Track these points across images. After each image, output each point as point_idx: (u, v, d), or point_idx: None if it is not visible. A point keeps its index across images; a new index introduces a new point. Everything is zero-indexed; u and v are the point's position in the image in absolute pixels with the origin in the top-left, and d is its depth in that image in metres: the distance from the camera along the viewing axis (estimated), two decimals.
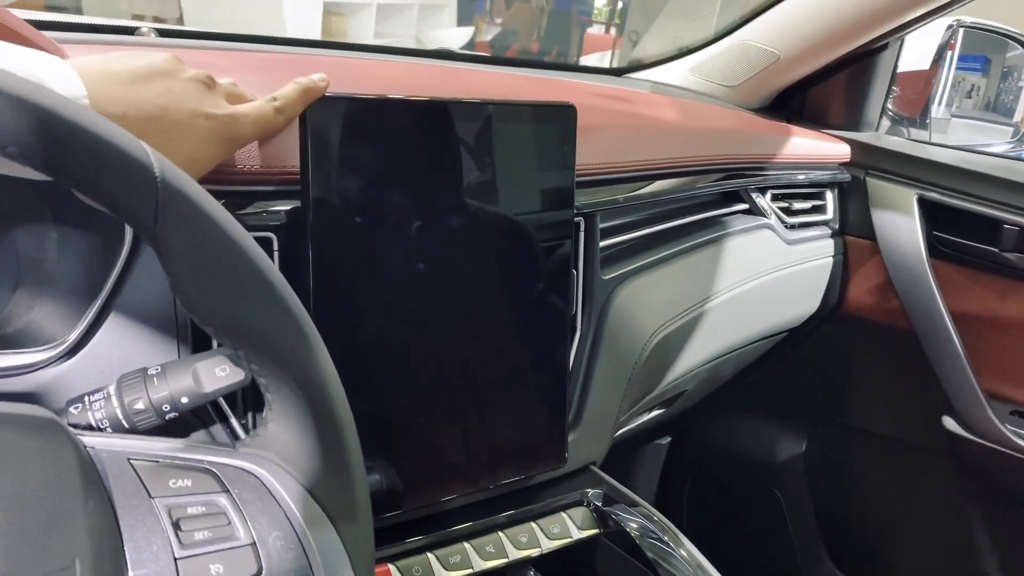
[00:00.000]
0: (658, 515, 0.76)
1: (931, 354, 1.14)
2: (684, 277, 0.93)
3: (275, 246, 0.59)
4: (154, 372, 0.48)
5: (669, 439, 1.45)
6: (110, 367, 0.55)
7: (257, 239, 0.58)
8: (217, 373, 0.48)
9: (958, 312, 1.12)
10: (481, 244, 0.66)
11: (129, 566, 0.35)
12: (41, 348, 0.53)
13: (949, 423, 1.14)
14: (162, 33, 0.86)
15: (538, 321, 0.71)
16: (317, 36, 5.69)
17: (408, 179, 0.62)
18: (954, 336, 1.12)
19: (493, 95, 0.86)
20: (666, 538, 0.74)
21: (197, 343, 0.58)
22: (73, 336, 0.53)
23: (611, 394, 0.81)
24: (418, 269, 0.63)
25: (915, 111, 1.33)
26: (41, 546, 0.32)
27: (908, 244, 1.15)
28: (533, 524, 0.73)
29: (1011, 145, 1.31)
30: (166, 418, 0.48)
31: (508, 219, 0.68)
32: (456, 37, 7.39)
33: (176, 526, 0.37)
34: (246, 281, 0.40)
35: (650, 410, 1.04)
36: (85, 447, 0.37)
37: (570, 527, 0.75)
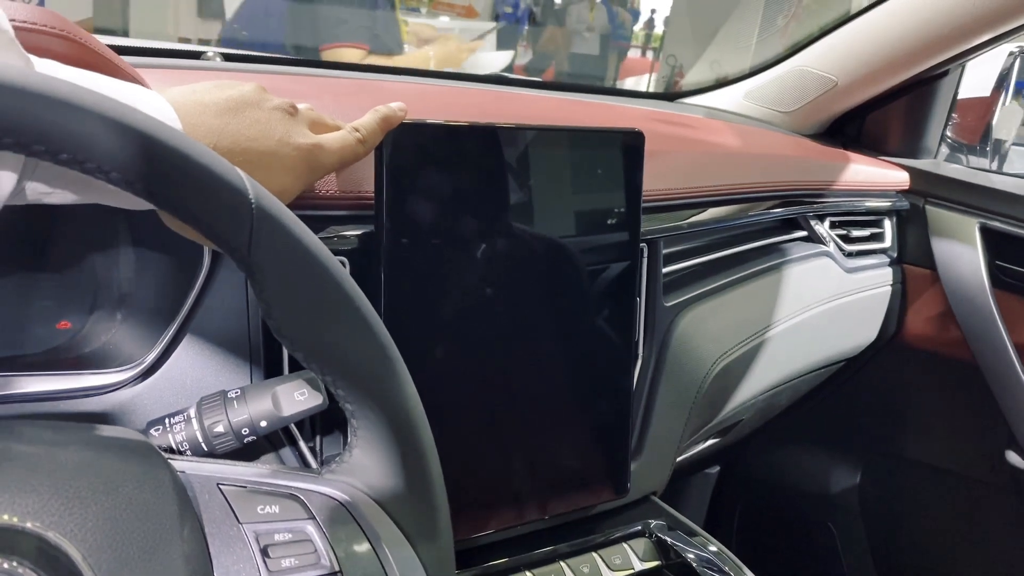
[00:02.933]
0: (720, 546, 0.74)
1: (994, 386, 1.11)
2: (745, 304, 0.92)
3: (347, 270, 0.59)
4: (234, 395, 0.48)
5: (718, 468, 1.43)
6: (184, 389, 0.55)
7: None
8: (296, 397, 0.49)
9: (1022, 344, 1.09)
10: (548, 269, 0.66)
11: None
12: (119, 369, 0.54)
13: (1013, 458, 1.11)
14: (227, 58, 0.87)
15: (602, 347, 0.71)
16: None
17: (478, 205, 0.62)
18: (1019, 368, 1.09)
19: (554, 120, 0.86)
20: (728, 570, 0.72)
21: (269, 366, 0.58)
22: (151, 357, 0.54)
23: (673, 423, 0.80)
24: (486, 294, 0.63)
25: (975, 138, 1.31)
26: (141, 572, 0.32)
27: (970, 274, 1.13)
28: (595, 554, 0.72)
29: None
30: (244, 442, 0.48)
31: (575, 244, 0.67)
32: (497, 60, 7.49)
33: (264, 552, 0.37)
34: (336, 308, 0.40)
35: (706, 439, 1.03)
36: (177, 471, 0.38)
37: (632, 558, 0.73)
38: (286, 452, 0.58)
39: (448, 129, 0.60)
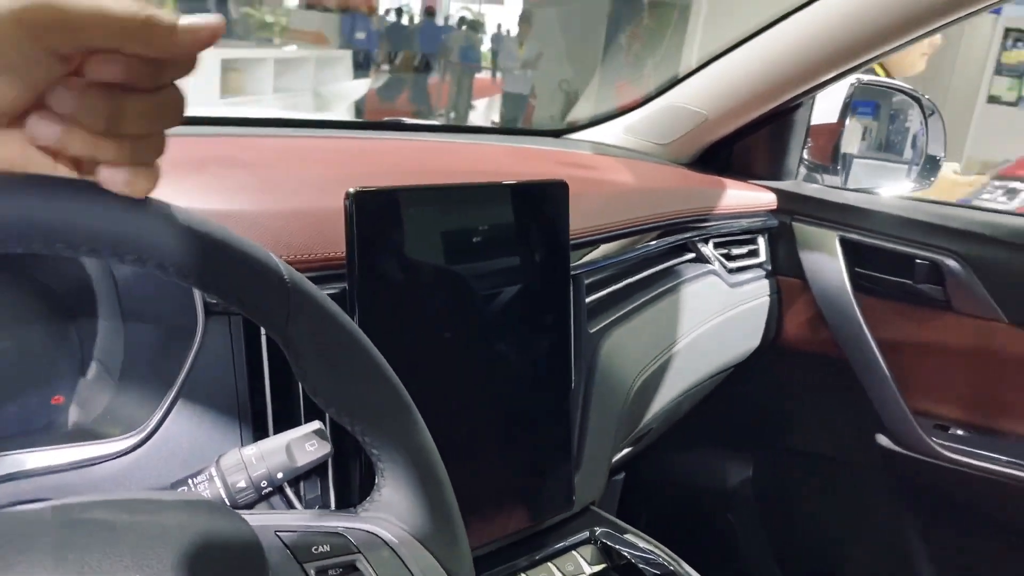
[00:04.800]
0: (658, 545, 0.83)
1: (862, 379, 1.26)
2: (653, 324, 1.02)
3: None
4: (251, 452, 0.53)
5: (624, 475, 1.53)
6: (181, 452, 0.59)
7: None
8: (307, 448, 0.54)
9: (882, 340, 1.25)
10: (495, 310, 0.73)
11: None
12: (119, 437, 0.57)
13: (882, 440, 1.26)
14: None
15: (545, 377, 0.78)
16: (216, 93, 5.66)
17: (435, 258, 0.68)
18: (881, 361, 1.24)
19: (474, 168, 0.94)
20: (670, 566, 0.81)
21: (257, 427, 0.62)
22: (152, 424, 0.57)
23: (604, 438, 0.89)
24: (445, 338, 0.70)
25: (827, 159, 1.48)
26: None
27: (834, 281, 1.28)
28: (550, 564, 0.79)
29: (915, 184, 1.47)
30: (263, 493, 0.53)
31: (517, 285, 0.75)
32: (355, 89, 7.49)
33: None
34: (362, 368, 0.46)
35: (622, 450, 1.12)
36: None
37: (582, 564, 0.81)
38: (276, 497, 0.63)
39: (407, 192, 0.66)
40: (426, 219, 0.68)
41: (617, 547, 0.83)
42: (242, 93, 5.35)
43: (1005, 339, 1.19)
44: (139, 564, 0.34)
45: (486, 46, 11.69)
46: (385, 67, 9.98)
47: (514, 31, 11.37)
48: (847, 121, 1.51)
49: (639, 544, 0.83)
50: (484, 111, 10.44)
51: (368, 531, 0.47)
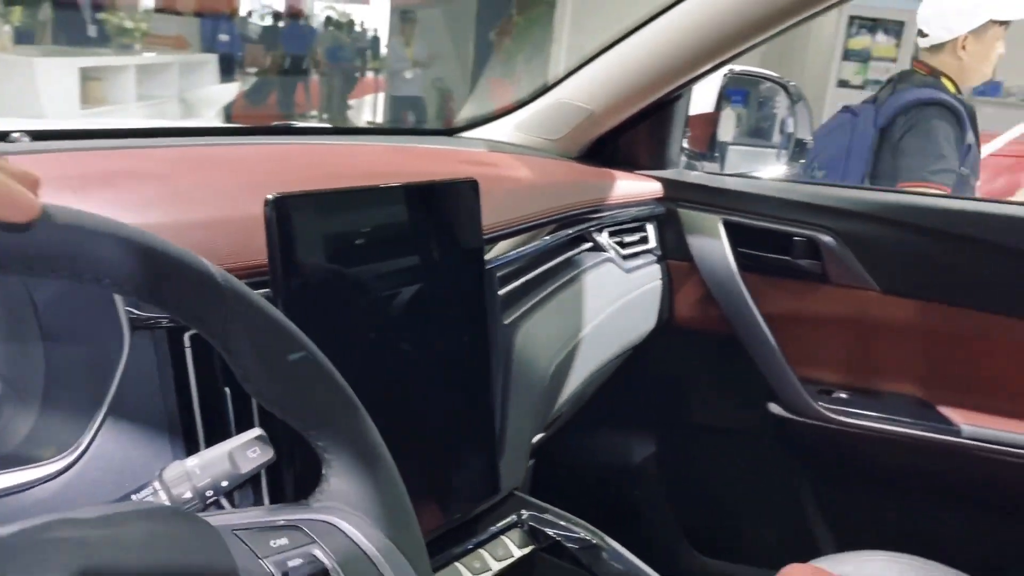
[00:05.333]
0: (581, 522, 0.87)
1: (751, 352, 1.34)
2: (560, 314, 1.06)
3: None
4: (194, 463, 0.53)
5: (533, 461, 1.57)
6: (112, 470, 0.58)
7: None
8: (250, 455, 0.54)
9: (768, 314, 1.33)
10: (417, 307, 0.75)
11: None
12: (50, 461, 0.56)
13: (774, 408, 1.35)
14: (37, 136, 0.86)
15: (467, 370, 0.81)
16: (76, 104, 5.38)
17: (355, 260, 0.70)
18: (768, 335, 1.33)
19: (383, 170, 0.95)
20: (593, 540, 0.85)
21: (188, 439, 0.62)
22: (82, 445, 0.56)
23: (523, 425, 0.92)
24: (370, 338, 0.71)
25: (705, 147, 1.56)
26: None
27: (720, 262, 1.36)
28: (481, 551, 0.82)
29: (786, 167, 1.57)
30: (207, 503, 0.53)
31: (437, 283, 0.77)
32: (223, 94, 7.25)
33: None
34: (303, 367, 0.47)
35: (536, 435, 1.16)
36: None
37: (511, 547, 0.84)
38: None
39: (326, 195, 0.67)
40: (345, 221, 0.69)
41: (543, 529, 0.86)
42: (104, 103, 5.11)
43: (877, 306, 1.29)
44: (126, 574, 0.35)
45: (357, 45, 11.55)
46: (252, 70, 9.71)
47: (383, 30, 11.29)
48: (722, 111, 1.60)
49: (563, 524, 0.87)
50: (358, 112, 10.33)
51: (322, 520, 0.48)
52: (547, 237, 1.11)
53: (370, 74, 11.10)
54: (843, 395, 1.33)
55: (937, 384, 1.29)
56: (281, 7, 10.93)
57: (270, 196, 0.63)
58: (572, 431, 1.43)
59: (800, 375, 1.33)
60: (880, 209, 1.27)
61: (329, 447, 0.49)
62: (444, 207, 0.78)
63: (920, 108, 1.96)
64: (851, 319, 1.32)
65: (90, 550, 0.36)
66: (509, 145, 1.41)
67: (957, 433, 1.24)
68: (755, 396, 1.37)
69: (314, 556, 0.46)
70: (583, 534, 0.86)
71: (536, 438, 1.17)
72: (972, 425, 1.24)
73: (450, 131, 1.47)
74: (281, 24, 10.63)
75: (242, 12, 10.72)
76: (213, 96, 6.42)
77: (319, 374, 0.48)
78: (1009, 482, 1.24)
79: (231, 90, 7.25)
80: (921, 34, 2.09)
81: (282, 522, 0.47)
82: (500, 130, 1.45)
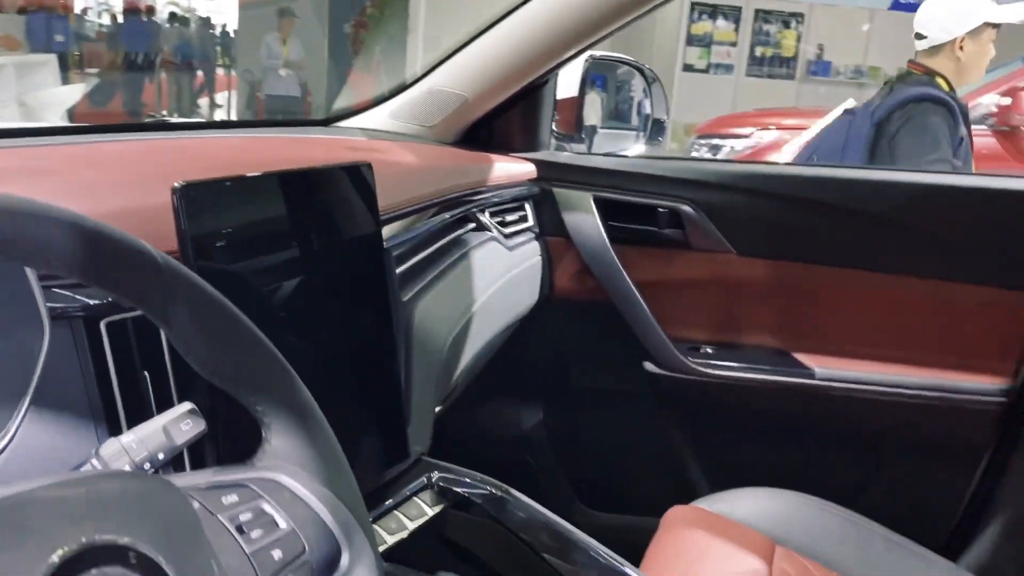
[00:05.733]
0: (488, 479, 0.93)
1: (626, 317, 1.44)
2: (453, 290, 1.11)
3: None
4: (129, 439, 0.56)
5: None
6: (37, 458, 0.60)
7: (141, 316, 0.67)
8: (183, 428, 0.57)
9: (639, 281, 1.43)
10: (324, 288, 0.79)
11: (224, 566, 0.45)
12: None
13: (649, 366, 1.46)
14: None
15: (374, 345, 0.85)
16: None
17: (262, 244, 0.73)
18: (640, 301, 1.43)
19: (259, 160, 0.97)
20: (500, 494, 0.92)
21: (111, 421, 0.64)
22: (7, 437, 0.58)
23: (427, 395, 0.97)
24: (280, 318, 0.75)
25: (572, 129, 1.65)
26: (194, 558, 0.41)
27: (593, 236, 1.45)
28: (396, 512, 0.87)
29: (647, 146, 1.68)
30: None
31: (341, 263, 0.81)
32: (65, 95, 6.86)
33: (239, 530, 0.48)
34: (240, 338, 0.51)
35: (438, 406, 1.21)
36: None
37: (424, 508, 0.90)
38: None
39: (232, 182, 0.70)
40: (251, 206, 0.72)
41: (452, 488, 0.92)
42: None
43: (735, 268, 1.42)
44: (118, 529, 0.38)
45: (205, 42, 11.13)
46: (94, 70, 9.22)
47: (231, 24, 10.93)
48: (586, 94, 1.70)
49: (470, 481, 0.93)
50: (209, 110, 9.98)
51: (267, 478, 0.52)
52: (434, 219, 1.16)
53: (221, 71, 10.75)
54: (709, 350, 1.46)
55: (792, 334, 1.43)
56: (119, 4, 10.41)
57: (177, 184, 0.66)
58: (468, 403, 1.49)
59: (671, 335, 1.44)
60: (732, 179, 1.39)
61: (267, 411, 0.53)
62: (343, 190, 0.82)
63: (916, 103, 2.12)
64: (713, 281, 1.44)
65: (71, 506, 0.39)
66: (385, 133, 1.45)
67: (812, 376, 1.38)
68: (631, 357, 1.47)
69: (263, 510, 0.50)
70: (490, 489, 0.92)
71: (437, 408, 1.23)
72: (824, 368, 1.39)
73: (325, 121, 1.50)
74: (121, 21, 10.13)
75: (76, 9, 10.14)
76: (55, 97, 6.07)
77: (255, 344, 0.52)
78: (858, 415, 1.39)
79: (74, 91, 6.87)
80: (919, 37, 2.26)
81: (230, 481, 0.51)
82: (375, 119, 1.48)
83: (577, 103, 1.63)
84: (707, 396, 1.44)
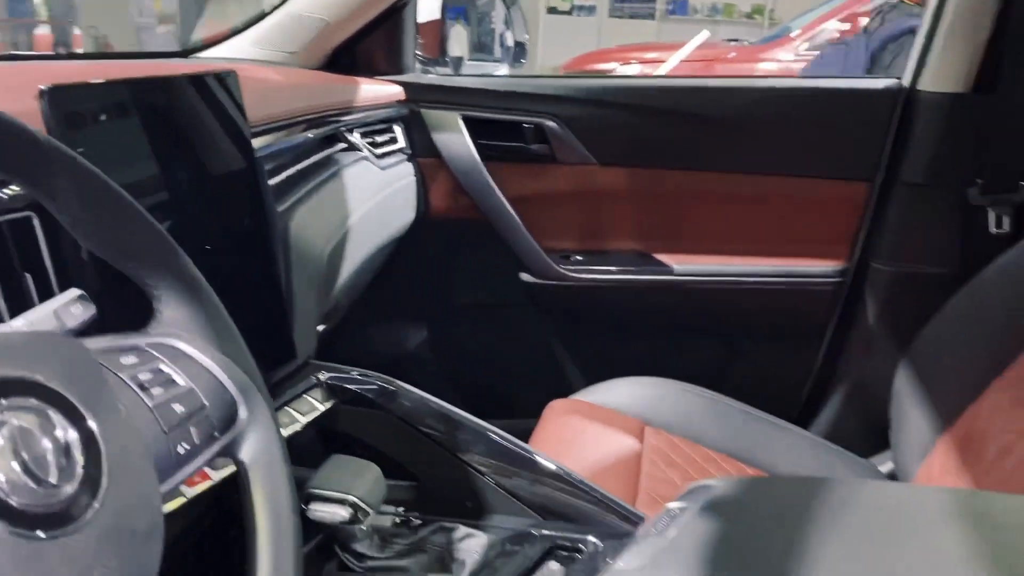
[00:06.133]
0: (375, 374, 0.98)
1: (501, 231, 1.51)
2: (328, 205, 1.14)
3: (36, 223, 0.68)
4: (20, 323, 0.58)
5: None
6: None
7: (18, 219, 0.68)
8: (73, 312, 0.60)
9: (511, 196, 1.50)
10: (197, 192, 0.81)
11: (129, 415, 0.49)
12: None
13: (525, 277, 1.53)
14: None
15: (253, 250, 0.88)
16: None
17: (137, 150, 0.74)
18: (513, 215, 1.49)
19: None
20: (390, 387, 0.97)
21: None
22: None
23: (309, 303, 1.01)
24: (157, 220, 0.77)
25: (435, 53, 1.68)
26: (99, 398, 0.45)
27: (464, 155, 1.50)
28: (288, 408, 0.91)
29: (512, 68, 1.73)
30: None
31: (215, 170, 0.83)
32: None
33: (141, 387, 0.51)
34: (123, 212, 0.54)
35: (323, 320, 1.25)
36: None
37: (315, 404, 0.94)
38: None
39: (99, 86, 0.71)
40: (120, 111, 0.73)
41: (342, 385, 0.97)
42: None
43: (598, 178, 1.50)
44: (27, 367, 0.41)
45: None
46: None
47: None
48: (447, 18, 1.73)
49: (360, 378, 0.97)
50: None
51: (162, 343, 0.55)
52: (304, 135, 1.18)
53: (78, 30, 10.03)
54: (579, 257, 1.54)
55: (651, 236, 1.53)
56: None
57: (43, 87, 0.66)
58: (354, 323, 1.53)
59: (543, 246, 1.51)
60: (592, 93, 1.46)
61: (157, 283, 0.56)
62: (209, 96, 0.83)
63: (910, 36, 2.20)
64: (579, 192, 1.52)
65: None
66: (247, 60, 1.44)
67: (671, 272, 1.49)
68: (508, 270, 1.54)
69: (161, 370, 0.53)
70: (379, 384, 0.97)
71: (321, 327, 1.26)
72: (681, 264, 1.50)
73: (184, 53, 1.47)
74: None
75: None
76: None
77: (139, 218, 0.55)
78: (714, 305, 1.52)
79: None
80: None
81: (128, 345, 0.54)
82: (236, 47, 1.47)
83: (439, 25, 1.66)
84: (579, 300, 1.53)
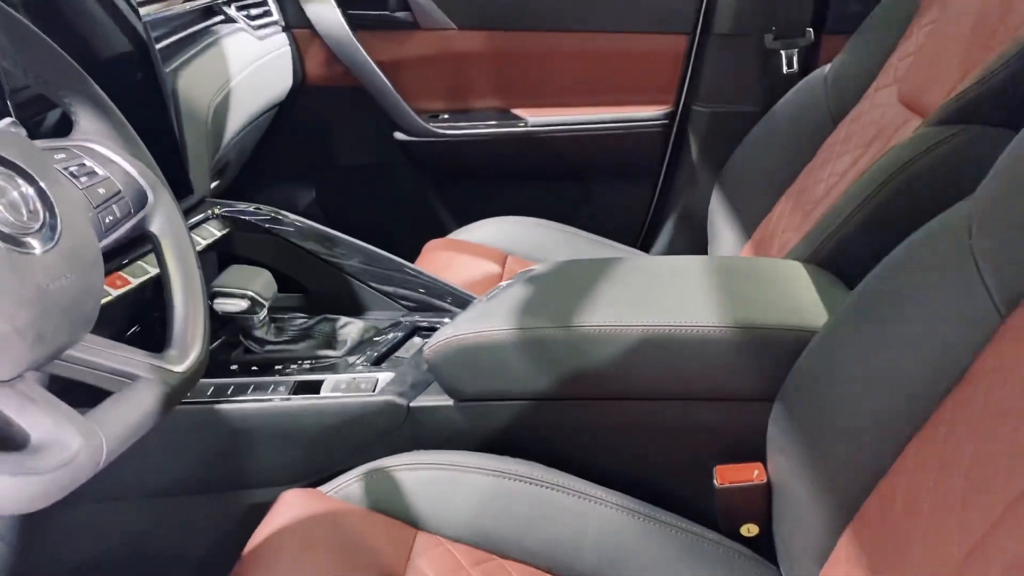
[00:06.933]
0: (264, 207, 1.17)
1: (376, 96, 1.68)
2: (208, 68, 1.30)
3: None
4: None
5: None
6: None
7: None
8: (12, 131, 0.76)
9: (381, 62, 1.66)
10: (90, 51, 0.97)
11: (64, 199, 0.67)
12: None
13: (399, 136, 1.71)
14: None
15: (146, 100, 1.04)
16: None
17: (48, 21, 0.89)
18: (384, 80, 1.66)
19: None
20: (280, 216, 1.16)
21: None
22: None
23: (200, 150, 1.18)
24: None
25: None
26: (49, 172, 0.63)
27: (335, 25, 1.65)
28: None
29: None
30: None
31: (105, 30, 0.98)
32: None
33: (72, 175, 0.70)
34: (43, 46, 0.71)
35: (214, 172, 1.41)
36: None
37: (212, 231, 1.13)
38: None
39: None
40: None
41: (236, 216, 1.16)
42: None
43: (458, 41, 1.68)
44: None
45: None
46: None
47: None
48: None
49: (250, 209, 1.16)
50: None
51: (83, 145, 0.73)
52: (183, 8, 1.32)
53: None
54: (446, 116, 1.74)
55: (507, 93, 1.73)
56: None
57: None
58: (243, 185, 1.69)
59: (414, 107, 1.69)
60: None
61: (73, 100, 0.73)
62: None
63: None
64: (442, 56, 1.70)
65: None
66: None
67: (525, 124, 1.70)
68: (385, 130, 1.72)
69: (85, 163, 0.72)
70: (268, 213, 1.17)
71: (213, 184, 1.43)
72: (535, 116, 1.71)
73: None
74: None
75: None
76: None
77: (58, 55, 0.72)
78: (564, 151, 1.74)
79: None
80: None
81: (56, 146, 0.72)
82: None
83: None
84: (449, 153, 1.73)
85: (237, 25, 1.47)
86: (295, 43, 1.67)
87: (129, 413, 0.63)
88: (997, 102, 0.93)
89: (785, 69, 1.55)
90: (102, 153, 0.74)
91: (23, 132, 0.76)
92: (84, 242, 0.64)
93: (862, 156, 1.19)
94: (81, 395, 0.63)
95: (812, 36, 1.57)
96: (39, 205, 0.61)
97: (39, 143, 0.71)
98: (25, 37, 0.69)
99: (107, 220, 0.70)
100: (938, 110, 1.00)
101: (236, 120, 1.39)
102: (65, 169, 0.70)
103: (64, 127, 0.77)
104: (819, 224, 1.08)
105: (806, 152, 1.31)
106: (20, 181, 0.61)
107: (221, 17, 1.45)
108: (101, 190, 0.71)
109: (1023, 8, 1.01)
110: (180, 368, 0.69)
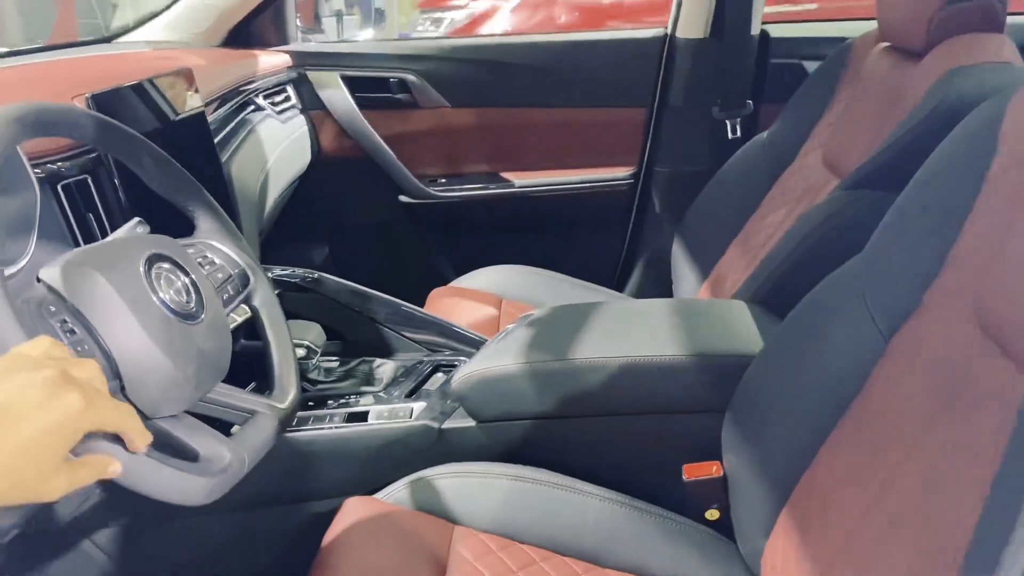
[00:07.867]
0: (300, 268, 1.42)
1: (382, 164, 1.94)
2: (251, 154, 1.55)
3: (90, 182, 1.07)
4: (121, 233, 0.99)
5: None
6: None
7: (79, 181, 1.06)
8: (139, 231, 1.01)
9: (386, 136, 1.93)
10: (186, 154, 1.22)
11: (204, 284, 0.92)
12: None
13: (403, 198, 1.98)
14: None
15: (214, 189, 1.29)
16: None
17: (144, 126, 1.14)
18: (388, 151, 1.93)
19: (97, 76, 1.34)
20: (313, 275, 1.41)
21: (77, 242, 1.05)
22: (27, 257, 0.98)
23: (251, 223, 1.43)
24: None
25: (312, 23, 2.07)
26: (191, 264, 0.88)
27: (345, 106, 1.91)
28: None
29: (374, 30, 2.14)
30: None
31: (178, 137, 1.23)
32: None
33: (200, 264, 0.94)
34: (172, 169, 0.96)
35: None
36: None
37: None
38: None
39: (122, 90, 1.11)
40: (138, 100, 1.13)
41: (283, 279, 1.40)
42: None
43: (452, 117, 1.95)
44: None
45: None
46: None
47: None
48: None
49: (296, 272, 1.41)
50: None
51: (205, 241, 0.97)
52: (226, 105, 1.58)
53: None
54: (443, 180, 2.00)
55: (496, 159, 2.01)
56: None
57: (87, 95, 1.06)
58: (268, 245, 1.93)
59: (415, 173, 1.96)
60: (441, 51, 1.90)
61: (195, 208, 0.98)
62: (178, 87, 1.23)
63: None
64: (438, 129, 1.97)
65: None
66: (165, 43, 1.80)
67: (513, 186, 1.97)
68: (389, 194, 1.98)
69: (207, 255, 0.96)
70: (311, 274, 1.41)
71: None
72: (520, 179, 1.98)
73: (109, 39, 1.81)
74: None
75: None
76: None
77: (182, 173, 0.97)
78: (546, 209, 2.01)
79: None
80: None
81: (189, 242, 0.96)
82: (152, 32, 1.82)
83: (313, 2, 2.05)
84: (447, 212, 2.00)
85: (265, 112, 1.73)
86: (311, 122, 1.92)
87: (258, 436, 0.87)
88: (890, 172, 1.16)
89: (730, 135, 1.84)
90: (217, 247, 0.99)
91: (148, 229, 1.01)
92: (218, 315, 0.88)
93: (794, 209, 1.45)
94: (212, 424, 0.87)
95: (752, 107, 1.86)
96: (192, 289, 0.85)
97: (179, 241, 0.96)
98: (160, 163, 0.94)
99: (224, 297, 0.95)
100: (849, 176, 1.26)
101: (272, 195, 1.64)
102: (195, 258, 0.94)
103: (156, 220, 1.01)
104: (760, 267, 1.34)
105: (750, 205, 1.57)
106: (180, 274, 0.85)
107: (253, 107, 1.71)
108: (220, 275, 0.95)
109: (916, 91, 1.26)
110: (284, 404, 0.94)
